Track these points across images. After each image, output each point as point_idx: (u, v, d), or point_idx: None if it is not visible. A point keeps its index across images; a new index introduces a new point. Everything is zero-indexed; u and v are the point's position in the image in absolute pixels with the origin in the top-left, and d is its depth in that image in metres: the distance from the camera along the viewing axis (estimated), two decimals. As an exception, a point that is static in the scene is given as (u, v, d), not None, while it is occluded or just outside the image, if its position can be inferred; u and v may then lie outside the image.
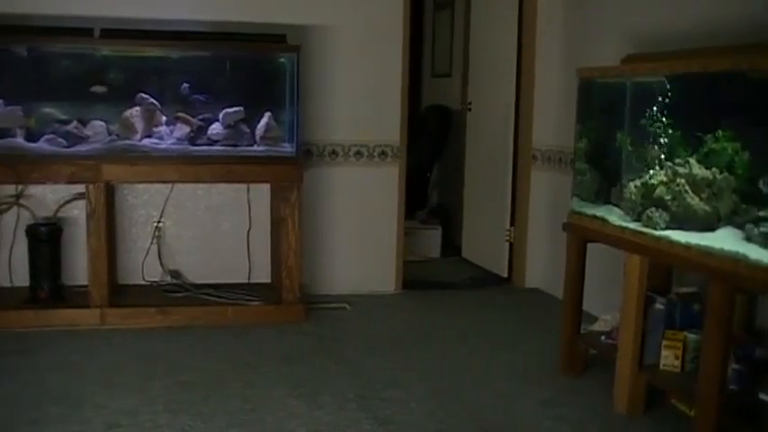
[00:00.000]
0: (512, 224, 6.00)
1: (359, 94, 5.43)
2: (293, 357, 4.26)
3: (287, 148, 4.88)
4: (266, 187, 5.21)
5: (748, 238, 3.03)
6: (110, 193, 4.88)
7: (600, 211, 3.83)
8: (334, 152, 5.45)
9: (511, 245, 6.03)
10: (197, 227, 5.31)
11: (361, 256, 5.57)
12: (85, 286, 4.73)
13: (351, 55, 5.39)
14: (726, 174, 3.27)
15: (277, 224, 4.99)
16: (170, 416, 3.45)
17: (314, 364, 4.18)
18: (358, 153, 5.50)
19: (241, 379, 3.92)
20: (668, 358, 3.52)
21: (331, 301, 5.29)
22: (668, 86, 3.52)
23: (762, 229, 2.95)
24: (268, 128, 4.87)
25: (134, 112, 4.74)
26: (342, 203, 5.50)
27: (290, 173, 4.83)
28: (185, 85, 4.81)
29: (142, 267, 5.20)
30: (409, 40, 5.58)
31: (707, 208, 3.27)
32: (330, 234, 5.50)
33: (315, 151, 5.40)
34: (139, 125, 4.75)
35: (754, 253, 2.88)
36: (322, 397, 3.71)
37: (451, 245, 7.03)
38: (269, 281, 5.30)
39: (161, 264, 5.26)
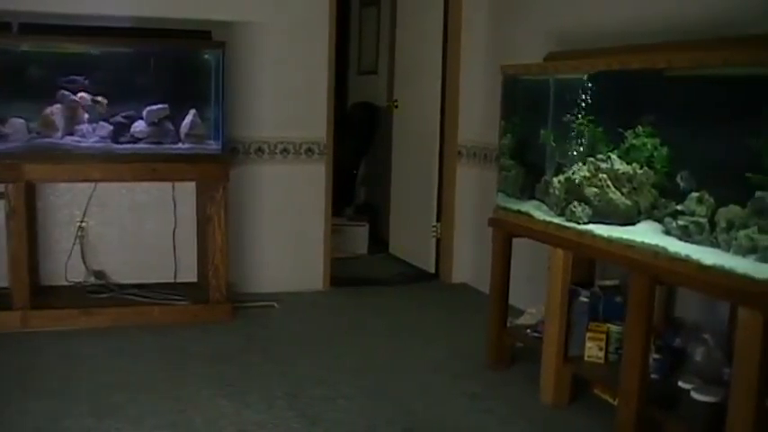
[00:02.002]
0: (438, 220, 6.04)
1: (285, 90, 5.41)
2: (221, 357, 4.23)
3: (212, 146, 4.84)
4: (192, 185, 5.16)
5: (667, 232, 3.12)
6: (30, 192, 4.78)
7: (525, 207, 3.89)
8: (260, 149, 5.42)
9: (438, 241, 6.08)
10: (121, 226, 5.23)
11: (288, 253, 5.56)
12: (6, 288, 4.62)
13: (277, 51, 5.37)
14: (646, 169, 3.36)
15: (203, 223, 4.94)
16: (95, 419, 3.40)
17: (242, 363, 4.15)
18: (284, 150, 5.48)
19: (169, 380, 3.88)
20: (592, 349, 3.60)
21: (259, 300, 5.26)
22: (590, 84, 3.59)
23: (680, 222, 3.04)
24: (193, 125, 4.81)
25: (55, 110, 4.64)
26: (269, 201, 5.47)
27: (216, 171, 4.79)
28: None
29: (65, 268, 5.10)
30: (335, 37, 5.59)
31: (628, 202, 3.35)
32: (257, 232, 5.47)
33: (241, 149, 5.36)
34: (60, 123, 4.65)
35: (673, 246, 2.96)
36: (251, 396, 3.70)
37: (379, 241, 7.06)
38: (195, 280, 5.25)
39: (84, 264, 5.17)
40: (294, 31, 5.40)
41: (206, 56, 4.84)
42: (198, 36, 4.91)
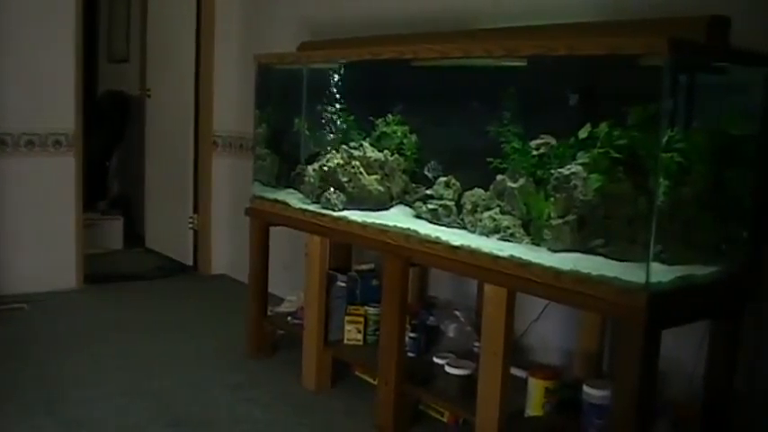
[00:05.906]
0: (195, 211, 5.98)
1: (28, 79, 5.12)
2: (-33, 364, 3.98)
3: (-52, 140, 4.53)
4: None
5: (418, 216, 3.27)
6: None
7: (281, 195, 3.93)
8: (2, 142, 5.11)
9: (195, 232, 6.01)
10: None
11: (38, 252, 5.28)
12: None
13: (19, 37, 5.06)
14: (396, 155, 3.50)
15: (-60, 222, 4.62)
16: None
17: (-8, 369, 3.93)
18: (29, 142, 5.20)
19: None
20: (351, 332, 3.70)
21: (7, 302, 4.97)
22: (342, 73, 3.68)
23: (429, 206, 3.20)
24: (-76, 117, 4.48)
25: None
26: (14, 197, 5.17)
27: (-47, 166, 4.48)
28: None
29: None
30: (83, 23, 5.35)
31: (380, 188, 3.47)
32: (3, 230, 5.16)
33: (-20, 142, 5.05)
34: None
35: (424, 228, 3.10)
36: (5, 405, 3.48)
37: (135, 235, 6.88)
38: (-67, 284, 4.90)
39: None
40: (38, 16, 5.10)
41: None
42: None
